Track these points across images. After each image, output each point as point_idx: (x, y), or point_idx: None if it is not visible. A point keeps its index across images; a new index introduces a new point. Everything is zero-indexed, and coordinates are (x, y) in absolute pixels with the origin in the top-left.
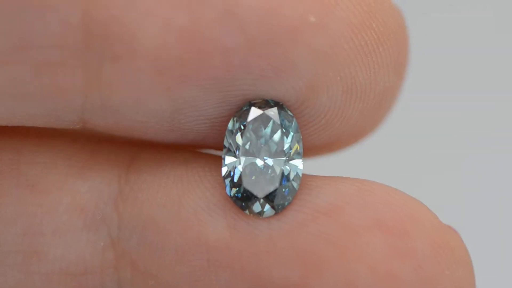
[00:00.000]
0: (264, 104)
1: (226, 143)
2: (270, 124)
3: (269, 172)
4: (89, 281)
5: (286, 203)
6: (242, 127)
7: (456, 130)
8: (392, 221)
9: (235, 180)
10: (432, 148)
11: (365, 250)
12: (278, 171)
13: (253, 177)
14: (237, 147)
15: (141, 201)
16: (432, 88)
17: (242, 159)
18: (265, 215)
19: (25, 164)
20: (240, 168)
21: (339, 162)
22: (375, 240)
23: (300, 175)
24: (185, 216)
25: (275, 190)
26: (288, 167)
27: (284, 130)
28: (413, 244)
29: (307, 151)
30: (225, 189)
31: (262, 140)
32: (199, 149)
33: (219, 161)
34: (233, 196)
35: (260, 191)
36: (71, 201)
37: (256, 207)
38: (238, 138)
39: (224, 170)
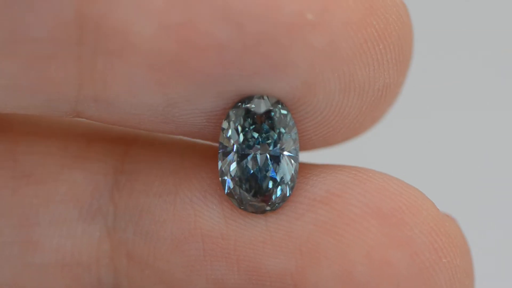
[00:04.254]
0: (260, 100)
1: (221, 140)
2: (266, 120)
3: (265, 169)
4: (85, 271)
5: (283, 201)
6: (238, 124)
7: (455, 119)
8: (389, 209)
9: (232, 177)
10: (430, 136)
11: (362, 238)
12: (274, 167)
13: (250, 174)
14: (233, 144)
15: (137, 191)
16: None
17: (238, 156)
18: (262, 212)
19: (21, 154)
20: (236, 165)
21: (337, 151)
22: (372, 228)
23: (297, 171)
24: (181, 206)
25: (272, 188)
26: (284, 163)
27: (280, 126)
28: (410, 232)
29: (303, 145)
30: (221, 186)
31: (258, 137)
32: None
33: (216, 151)
34: (229, 194)
35: (257, 189)
36: (67, 191)
37: (253, 204)
38: (234, 135)
39: (220, 167)
